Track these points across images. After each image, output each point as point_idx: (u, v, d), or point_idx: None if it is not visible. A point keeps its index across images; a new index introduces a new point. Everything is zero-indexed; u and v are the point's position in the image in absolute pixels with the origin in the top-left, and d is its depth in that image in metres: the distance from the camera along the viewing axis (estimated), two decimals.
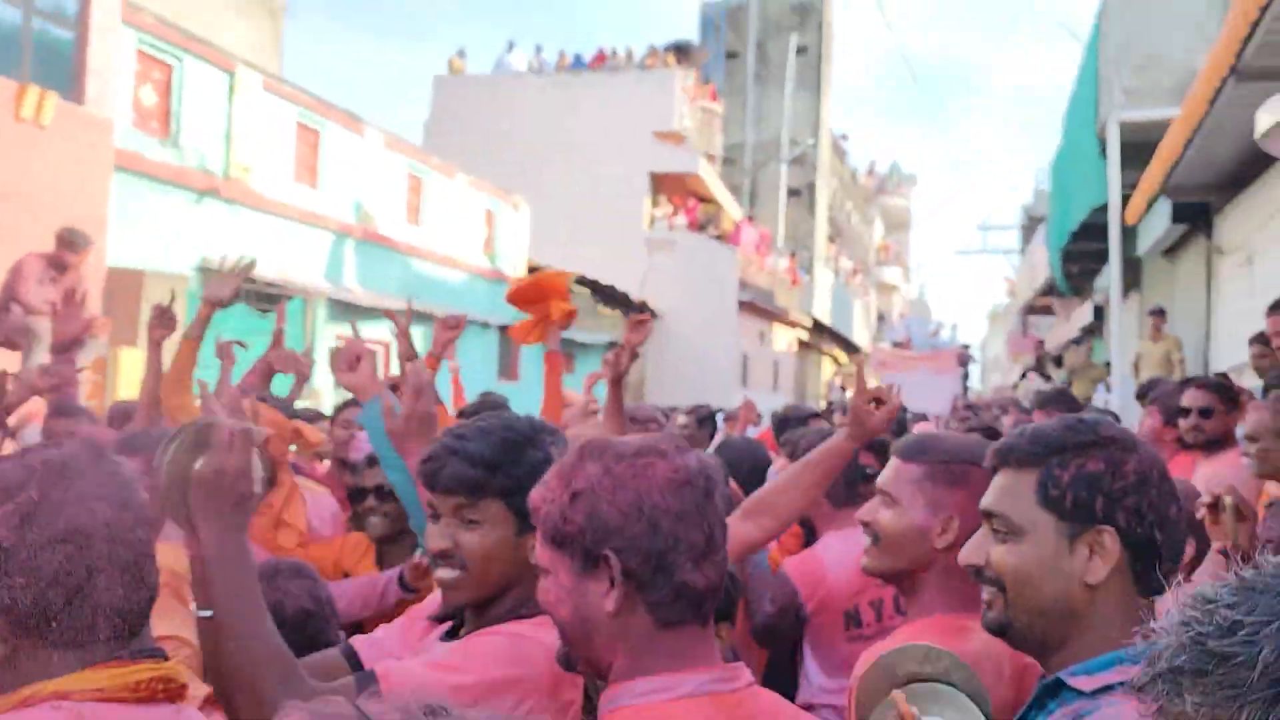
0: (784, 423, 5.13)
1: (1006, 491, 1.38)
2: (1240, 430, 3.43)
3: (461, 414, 3.77)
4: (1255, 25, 5.46)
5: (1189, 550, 2.10)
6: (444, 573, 1.62)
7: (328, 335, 12.74)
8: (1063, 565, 1.30)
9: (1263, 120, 4.91)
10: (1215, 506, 2.09)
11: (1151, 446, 1.40)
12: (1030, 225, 25.26)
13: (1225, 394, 3.87)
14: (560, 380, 4.11)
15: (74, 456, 1.22)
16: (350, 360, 2.29)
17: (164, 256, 10.18)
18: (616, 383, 3.55)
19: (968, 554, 1.41)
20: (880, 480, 1.95)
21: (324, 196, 13.44)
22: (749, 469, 3.62)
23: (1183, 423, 3.83)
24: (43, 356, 6.93)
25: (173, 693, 1.22)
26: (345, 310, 12.91)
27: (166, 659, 1.25)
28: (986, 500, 1.40)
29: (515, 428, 1.68)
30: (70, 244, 7.00)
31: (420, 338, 11.93)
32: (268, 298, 11.74)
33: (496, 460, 1.62)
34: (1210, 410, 3.79)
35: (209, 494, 1.45)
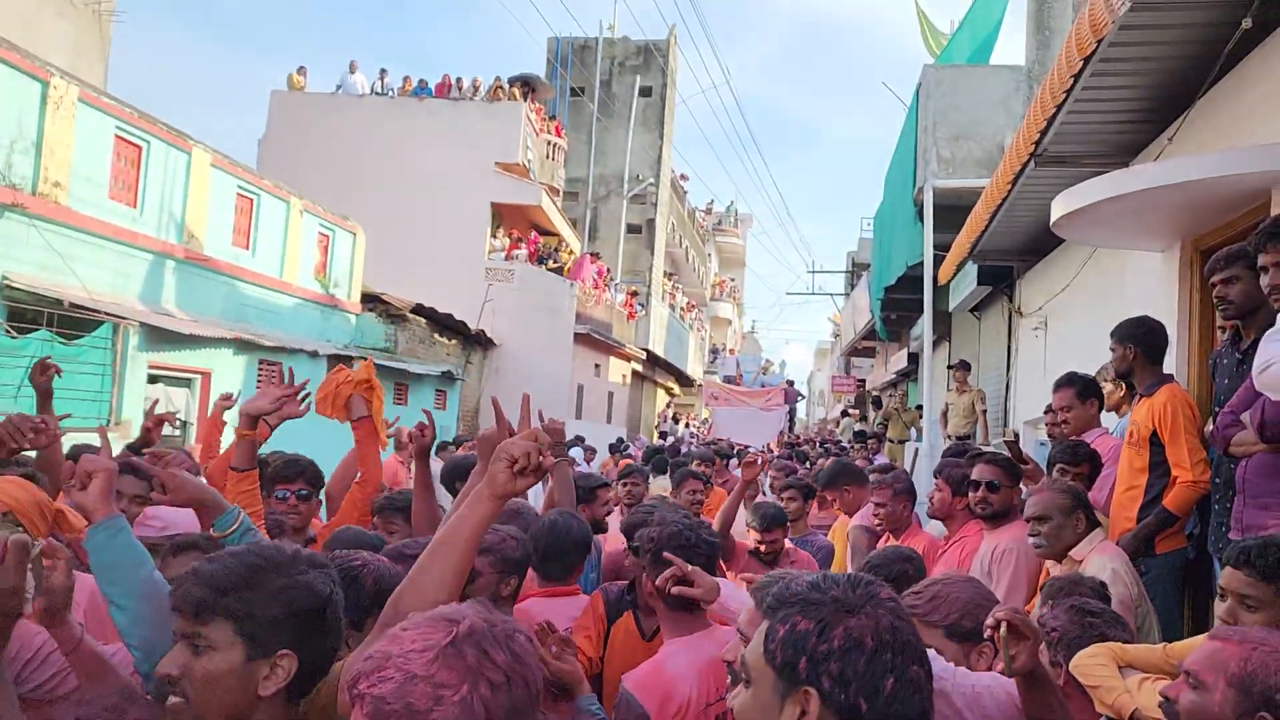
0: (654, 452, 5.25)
1: (752, 638, 1.40)
2: (1028, 508, 3.63)
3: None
4: (1052, 118, 5.96)
5: None
6: (171, 699, 1.57)
7: (142, 363, 12.05)
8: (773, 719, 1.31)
9: (1056, 208, 5.35)
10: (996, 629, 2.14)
11: (891, 609, 1.37)
12: (855, 270, 26.48)
13: (1010, 469, 4.16)
14: (374, 446, 4.08)
15: None
16: (83, 478, 2.08)
17: None
18: (424, 455, 3.57)
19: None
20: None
21: (144, 215, 12.76)
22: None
23: (972, 495, 4.10)
24: None
25: None
26: (161, 336, 12.26)
27: None
28: (736, 649, 1.46)
29: (264, 554, 1.64)
30: None
31: (245, 365, 11.50)
32: (74, 322, 11.03)
33: (227, 584, 1.57)
34: (997, 485, 4.05)
35: None
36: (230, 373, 13.65)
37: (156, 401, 6.17)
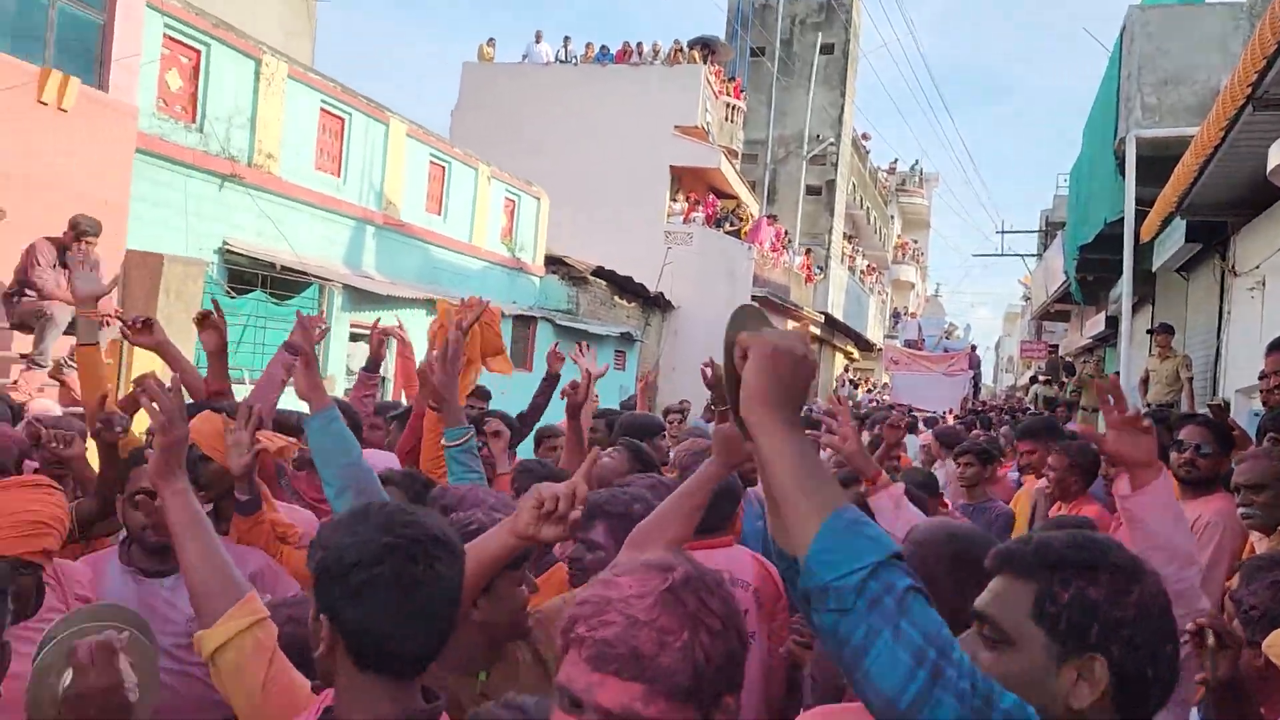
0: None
1: (1001, 597, 1.35)
2: (1239, 474, 3.33)
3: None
4: (1273, 57, 5.46)
5: None
6: None
7: (344, 322, 12.86)
8: (1048, 684, 1.27)
9: (1275, 156, 4.91)
10: (1200, 634, 2.00)
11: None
12: (1048, 230, 25.14)
13: (1222, 435, 3.82)
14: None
15: None
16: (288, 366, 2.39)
17: (184, 241, 10.31)
18: (575, 413, 3.64)
19: None
20: None
21: (346, 184, 13.55)
22: None
23: (1175, 458, 3.81)
24: (56, 339, 7.08)
25: None
26: (363, 297, 13.04)
27: None
28: (980, 602, 1.37)
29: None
30: (81, 230, 7.10)
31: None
32: (285, 284, 11.88)
33: None
34: (1206, 450, 3.74)
35: (73, 712, 1.49)
36: (423, 332, 14.36)
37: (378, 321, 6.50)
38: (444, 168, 16.25)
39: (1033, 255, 30.17)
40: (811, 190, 34.11)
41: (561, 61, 26.18)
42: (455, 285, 16.06)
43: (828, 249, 34.20)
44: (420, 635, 1.49)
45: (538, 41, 26.40)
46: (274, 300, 11.55)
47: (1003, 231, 34.67)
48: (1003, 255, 33.96)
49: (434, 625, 1.50)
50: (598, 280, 21.16)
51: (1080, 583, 1.29)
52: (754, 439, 1.25)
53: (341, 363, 12.86)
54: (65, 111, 7.98)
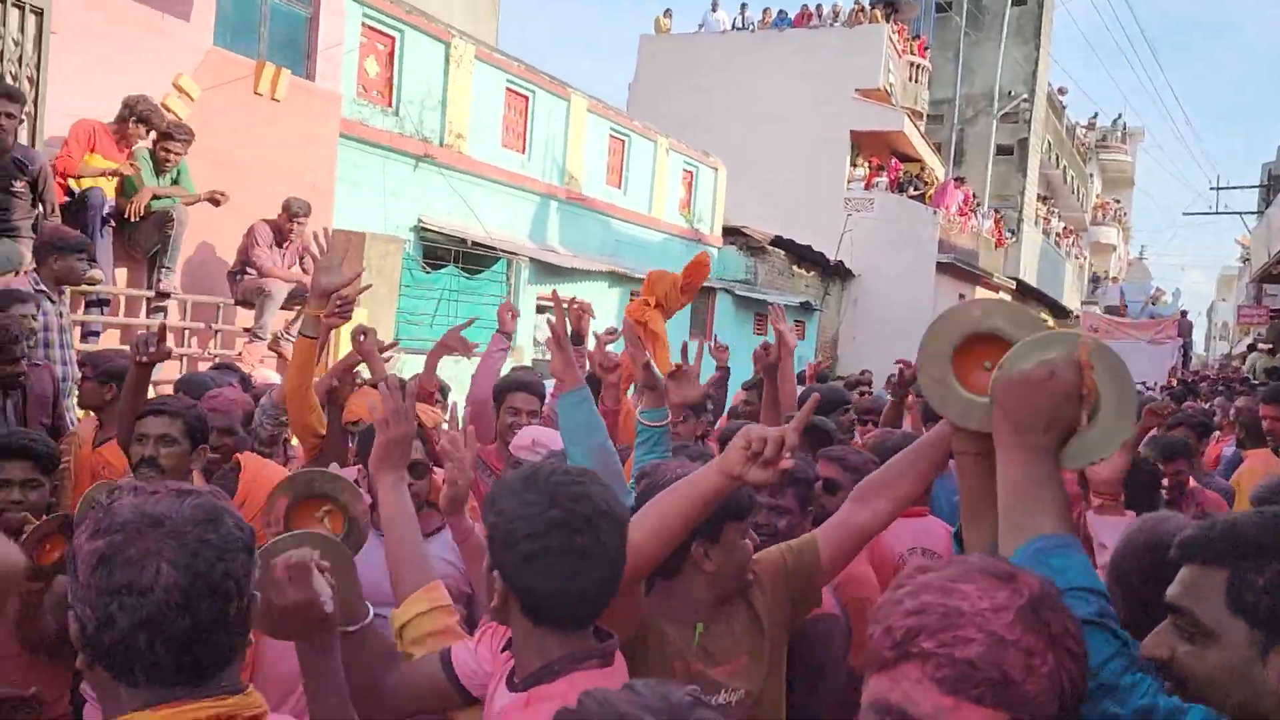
0: None
1: (1193, 588, 1.29)
2: None
3: None
4: None
5: None
6: None
7: (530, 295, 13.28)
8: (1254, 675, 1.21)
9: None
10: None
11: None
12: (1271, 185, 23.08)
13: None
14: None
15: (173, 515, 1.22)
16: (549, 345, 2.48)
17: (384, 218, 10.88)
18: (771, 374, 3.59)
19: (1151, 647, 1.30)
20: None
21: (531, 160, 13.93)
22: None
23: None
24: (274, 314, 7.63)
25: None
26: (547, 270, 13.42)
27: (242, 693, 1.25)
28: (1172, 594, 1.31)
29: None
30: (293, 212, 7.63)
31: (618, 297, 12.26)
32: (476, 259, 12.35)
33: None
34: None
35: (277, 625, 1.62)
36: (605, 303, 14.65)
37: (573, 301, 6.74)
38: (623, 141, 16.45)
39: (1252, 213, 27.81)
40: (1002, 150, 32.57)
41: (738, 29, 25.95)
42: (635, 258, 16.27)
43: (1020, 211, 32.63)
44: (584, 600, 1.61)
45: (714, 10, 26.26)
46: (465, 274, 12.05)
47: (1218, 188, 32.05)
48: (1217, 213, 31.42)
49: (597, 591, 1.61)
50: (776, 250, 20.96)
51: (1275, 565, 1.21)
52: (996, 454, 1.40)
53: (529, 334, 13.29)
54: (278, 101, 8.54)
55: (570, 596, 1.59)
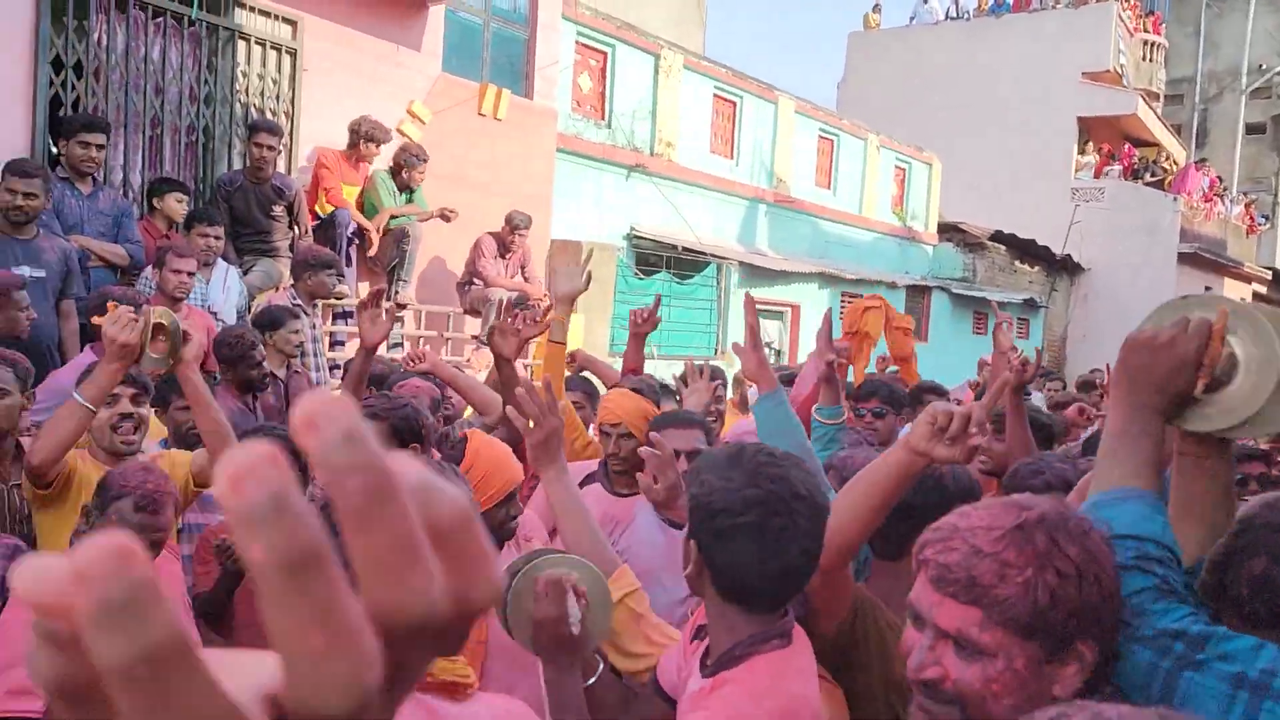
0: None
1: None
2: None
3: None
4: None
5: None
6: None
7: (740, 298, 13.37)
8: None
9: None
10: None
11: None
12: None
13: None
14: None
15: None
16: (736, 350, 2.50)
17: (598, 227, 11.27)
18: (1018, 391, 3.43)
19: None
20: None
21: (739, 165, 14.04)
22: None
23: None
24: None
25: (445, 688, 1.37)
26: (757, 273, 13.47)
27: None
28: None
29: None
30: (515, 224, 8.06)
31: (829, 299, 12.13)
32: (686, 264, 12.57)
33: None
34: None
35: (532, 637, 1.80)
36: (816, 305, 14.54)
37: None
38: (832, 141, 16.27)
39: None
40: (1253, 129, 29.86)
41: (952, 18, 25.08)
42: (846, 258, 16.04)
43: (1275, 195, 29.77)
44: (778, 581, 1.62)
45: (925, 1, 25.50)
46: (677, 280, 12.29)
47: None
48: None
49: (791, 573, 1.63)
50: (996, 245, 20.10)
51: None
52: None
53: (741, 337, 13.38)
54: (500, 120, 9.03)
55: (762, 576, 1.60)
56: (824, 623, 1.92)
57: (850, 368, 6.47)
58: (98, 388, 2.77)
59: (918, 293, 17.60)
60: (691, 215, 12.88)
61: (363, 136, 7.29)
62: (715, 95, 13.64)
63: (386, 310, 3.58)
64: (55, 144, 5.86)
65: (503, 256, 8.14)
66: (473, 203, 8.29)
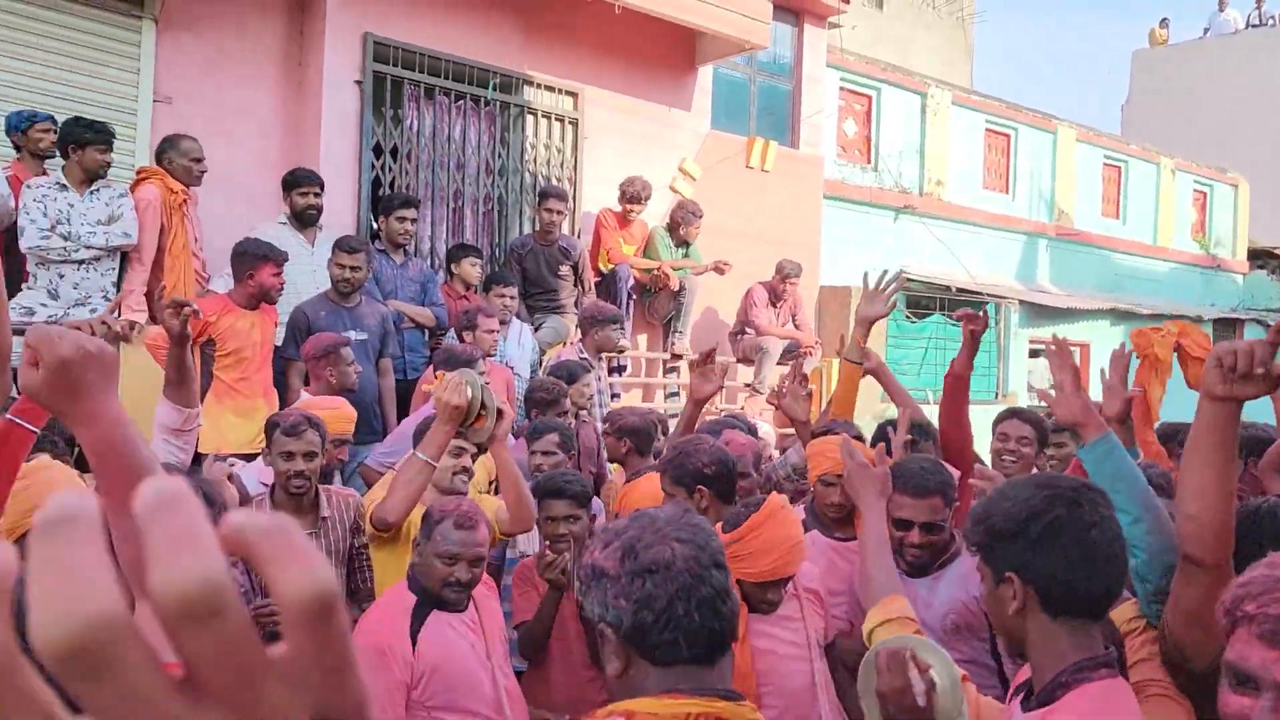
0: None
1: None
2: None
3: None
4: None
5: None
6: None
7: (1021, 339, 12.71)
8: None
9: None
10: None
11: None
12: None
13: None
14: None
15: (664, 511, 1.51)
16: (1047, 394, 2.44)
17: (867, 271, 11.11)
18: None
19: None
20: None
21: (1015, 199, 13.44)
22: None
23: None
24: (771, 369, 8.13)
25: None
26: (1039, 312, 12.77)
27: (733, 701, 1.39)
28: None
29: None
30: (786, 273, 8.11)
31: (1122, 336, 11.25)
32: (963, 305, 12.12)
33: None
34: None
35: (881, 711, 1.87)
36: (1108, 343, 13.55)
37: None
38: (1119, 168, 15.22)
39: None
40: None
41: (1254, 26, 22.89)
42: (1140, 292, 14.88)
43: None
44: (1100, 573, 1.64)
45: (1221, 9, 23.46)
46: (952, 322, 11.87)
47: None
48: None
49: (1111, 564, 1.65)
50: None
51: None
52: None
53: (1022, 379, 12.71)
54: (767, 172, 9.18)
55: (1086, 574, 1.62)
56: (1208, 645, 1.78)
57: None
58: (435, 446, 3.21)
59: (1227, 326, 16.00)
60: (965, 254, 12.44)
61: (627, 197, 7.63)
62: (987, 129, 13.16)
63: (718, 367, 3.82)
64: (375, 219, 6.57)
65: (774, 305, 8.21)
66: (743, 253, 8.44)
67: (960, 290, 11.87)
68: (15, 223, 5.15)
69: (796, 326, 8.36)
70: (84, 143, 5.02)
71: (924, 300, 11.96)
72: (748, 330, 8.18)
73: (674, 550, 1.41)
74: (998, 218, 13.04)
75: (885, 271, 4.00)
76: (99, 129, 5.12)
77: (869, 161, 11.69)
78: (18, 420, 1.87)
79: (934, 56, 17.45)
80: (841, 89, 11.32)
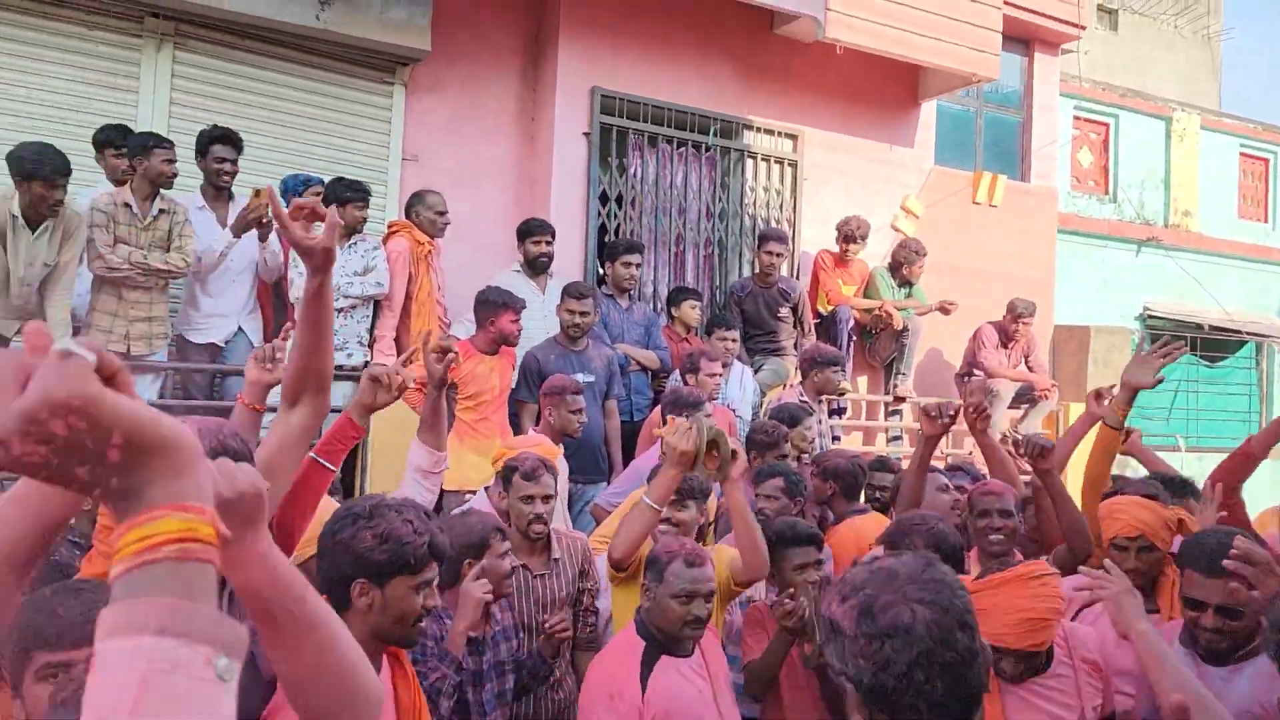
0: None
1: None
2: None
3: None
4: None
5: None
6: None
7: None
8: None
9: None
10: None
11: None
12: None
13: None
14: None
15: (905, 564, 1.40)
16: None
17: (1106, 310, 10.46)
18: None
19: None
20: None
21: (1276, 228, 12.30)
22: None
23: None
24: (1002, 413, 7.76)
25: None
26: None
27: None
28: None
29: None
30: (1018, 312, 7.73)
31: None
32: (1215, 344, 11.18)
33: None
34: None
35: None
36: None
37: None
38: None
39: None
40: None
41: None
42: None
43: None
44: None
45: None
46: (1204, 363, 10.96)
47: None
48: None
49: None
50: None
51: None
52: None
53: None
54: (995, 207, 8.83)
55: None
56: None
57: None
58: (662, 490, 3.27)
59: None
60: (1219, 289, 11.47)
61: (844, 237, 7.51)
62: (1241, 154, 12.15)
63: (950, 416, 3.73)
64: (601, 265, 6.78)
65: (1005, 346, 7.85)
66: (971, 292, 8.14)
67: (1214, 328, 10.96)
68: (284, 276, 5.68)
69: (1030, 368, 7.96)
70: (345, 200, 5.47)
71: (1171, 340, 11.11)
72: (976, 372, 7.85)
73: (914, 613, 1.34)
74: (1256, 249, 11.97)
75: (1168, 338, 3.71)
76: (358, 188, 5.57)
77: (1107, 192, 11.04)
78: (319, 460, 2.05)
79: (1177, 78, 16.31)
80: (1075, 117, 10.78)
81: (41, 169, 4.53)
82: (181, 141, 5.36)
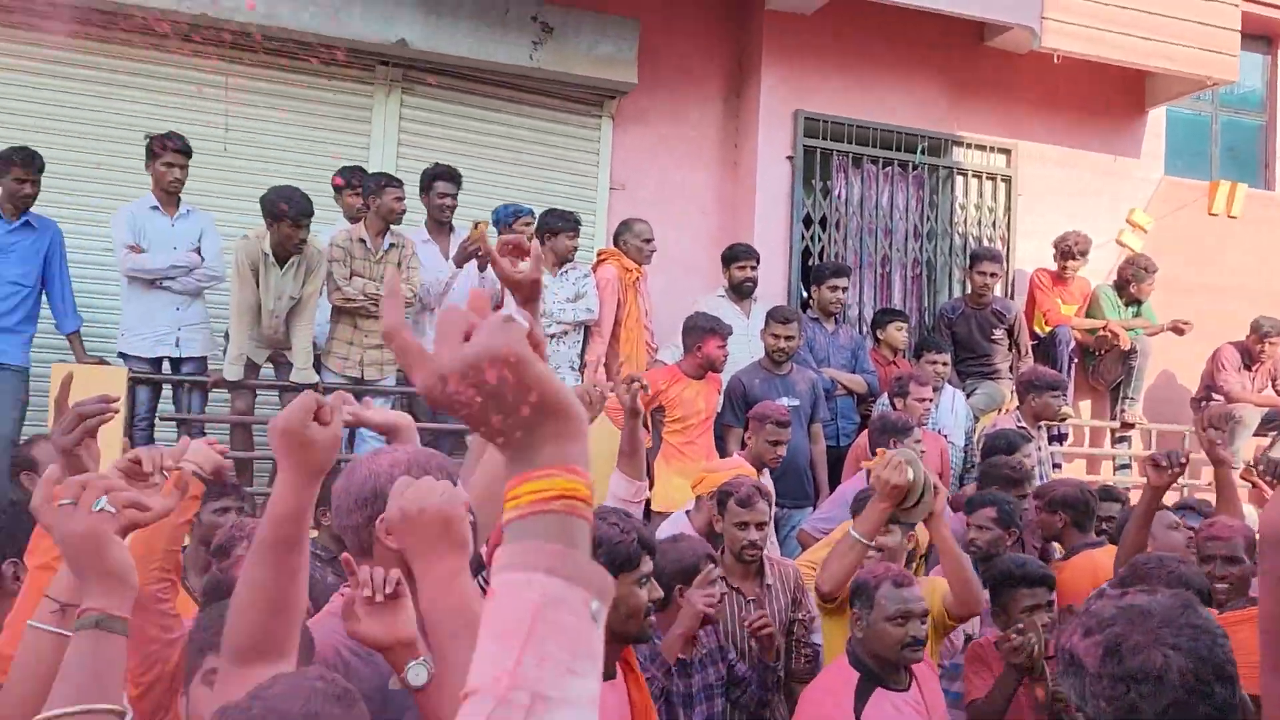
0: None
1: None
2: None
3: None
4: None
5: None
6: None
7: None
8: None
9: None
10: None
11: None
12: None
13: None
14: None
15: (1160, 604, 1.26)
16: None
17: None
18: None
19: None
20: None
21: None
22: None
23: None
24: (1245, 440, 7.14)
25: None
26: None
27: None
28: None
29: None
30: (1264, 332, 7.09)
31: None
32: None
33: None
34: None
35: None
36: None
37: None
38: None
39: None
40: None
41: None
42: None
43: None
44: None
45: None
46: None
47: None
48: None
49: None
50: None
51: None
52: None
53: None
54: (1234, 218, 8.17)
55: None
56: None
57: None
58: (871, 524, 3.23)
59: None
60: None
61: (1062, 253, 7.13)
62: None
63: (1181, 464, 3.52)
64: (806, 289, 6.74)
65: (1248, 368, 7.23)
66: (1207, 310, 7.55)
67: None
68: (500, 302, 5.96)
69: (1277, 392, 7.29)
70: (556, 230, 5.69)
71: None
72: (1215, 396, 7.27)
73: (1168, 659, 1.23)
74: None
75: None
76: (569, 218, 5.78)
77: None
78: None
79: None
80: None
81: (289, 211, 4.96)
82: (408, 180, 5.73)
